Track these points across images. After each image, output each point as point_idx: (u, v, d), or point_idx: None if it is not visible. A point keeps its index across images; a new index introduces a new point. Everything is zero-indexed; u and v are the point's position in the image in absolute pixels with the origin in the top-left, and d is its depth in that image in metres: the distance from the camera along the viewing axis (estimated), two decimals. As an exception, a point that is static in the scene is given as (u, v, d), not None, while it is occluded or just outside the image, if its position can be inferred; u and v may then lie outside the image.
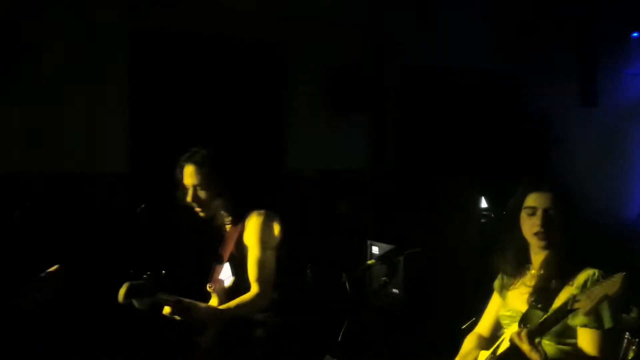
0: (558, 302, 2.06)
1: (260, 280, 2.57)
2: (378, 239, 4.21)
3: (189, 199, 2.68)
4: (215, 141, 5.00)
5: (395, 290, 4.10)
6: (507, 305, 2.32)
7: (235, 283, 2.71)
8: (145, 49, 4.85)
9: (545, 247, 2.21)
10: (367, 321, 2.32)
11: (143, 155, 4.85)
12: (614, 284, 1.85)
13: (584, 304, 1.88)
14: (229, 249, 2.75)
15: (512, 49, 6.59)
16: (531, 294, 2.20)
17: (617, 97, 6.49)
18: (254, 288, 2.56)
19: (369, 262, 2.02)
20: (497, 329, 2.40)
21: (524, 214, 2.24)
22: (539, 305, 2.13)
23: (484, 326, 2.46)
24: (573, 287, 2.12)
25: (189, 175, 2.68)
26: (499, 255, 2.32)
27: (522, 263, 2.30)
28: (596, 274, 2.12)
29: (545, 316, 2.01)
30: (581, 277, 2.14)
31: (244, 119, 5.20)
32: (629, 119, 6.43)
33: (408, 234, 3.97)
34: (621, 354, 2.79)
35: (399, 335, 2.35)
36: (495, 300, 2.44)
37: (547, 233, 2.17)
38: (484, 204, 5.89)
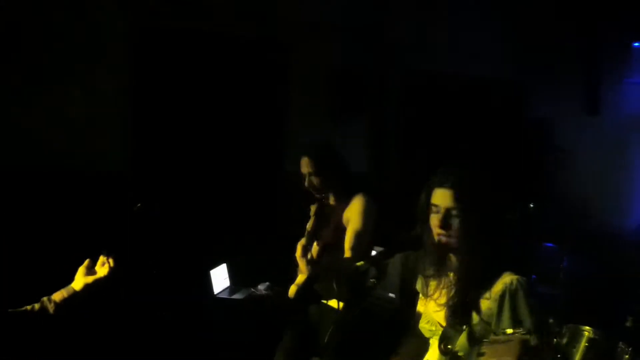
0: (476, 318, 1.93)
1: (355, 249, 2.96)
2: (376, 243, 4.21)
3: (305, 184, 3.20)
4: (215, 142, 5.05)
5: (391, 295, 4.09)
6: (427, 315, 2.12)
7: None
8: (147, 48, 4.86)
9: (450, 251, 2.02)
10: (357, 323, 2.26)
11: (144, 154, 4.86)
12: (512, 348, 1.60)
13: None
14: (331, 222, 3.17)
15: (516, 57, 6.60)
16: (449, 308, 2.01)
17: (619, 106, 6.49)
18: (347, 255, 2.95)
19: (358, 264, 1.96)
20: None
21: (430, 210, 2.03)
22: (457, 321, 1.96)
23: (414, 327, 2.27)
24: (490, 299, 1.93)
25: (304, 165, 3.20)
26: (421, 258, 2.11)
27: (442, 268, 2.09)
28: (514, 282, 1.93)
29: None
30: (498, 287, 1.94)
31: (245, 120, 5.21)
32: (630, 128, 6.43)
33: (405, 237, 3.93)
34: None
35: (392, 338, 2.32)
36: (420, 303, 2.24)
37: (449, 235, 1.97)
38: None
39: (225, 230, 4.76)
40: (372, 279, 1.99)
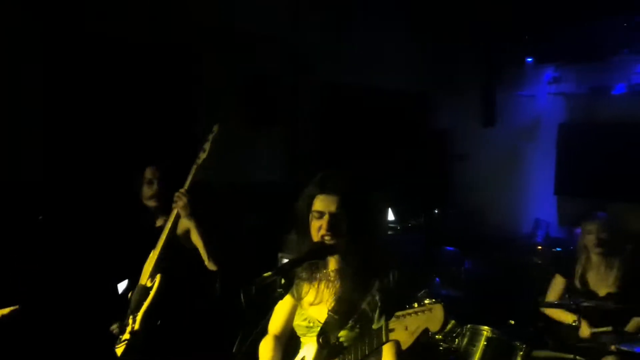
0: (358, 312, 1.97)
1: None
2: (291, 252, 4.24)
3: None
4: (131, 151, 4.91)
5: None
6: (304, 314, 2.15)
7: None
8: (62, 54, 4.65)
9: (334, 253, 2.06)
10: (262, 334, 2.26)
11: (58, 163, 4.64)
12: (434, 318, 1.67)
13: (401, 337, 1.71)
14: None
15: (420, 71, 6.90)
16: (330, 305, 2.04)
17: (513, 117, 6.86)
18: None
19: (265, 274, 1.93)
20: (292, 331, 2.26)
21: (312, 217, 2.05)
22: (337, 317, 2.00)
23: (277, 328, 2.28)
24: (370, 296, 1.96)
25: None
26: (295, 260, 2.07)
27: (318, 269, 2.13)
28: (394, 276, 1.97)
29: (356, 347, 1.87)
30: (375, 281, 1.98)
31: (159, 130, 5.10)
32: (523, 138, 6.79)
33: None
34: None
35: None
36: (288, 302, 2.23)
37: (335, 237, 2.00)
38: (391, 216, 6.10)
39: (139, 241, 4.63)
40: (279, 288, 1.98)
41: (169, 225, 2.99)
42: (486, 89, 6.91)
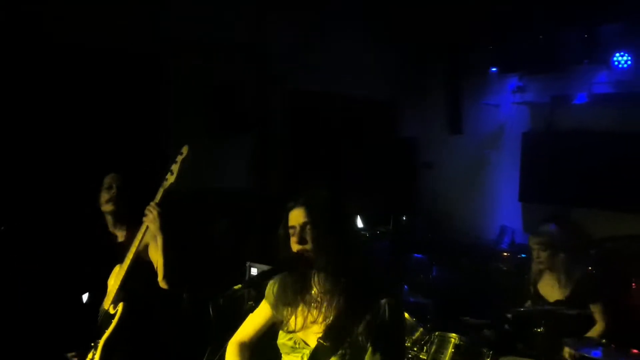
0: (348, 340, 1.93)
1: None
2: (259, 261, 4.21)
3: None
4: (95, 160, 4.83)
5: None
6: (289, 334, 2.08)
7: None
8: (25, 61, 4.56)
9: (311, 268, 2.02)
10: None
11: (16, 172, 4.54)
12: None
13: None
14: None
15: (389, 79, 6.98)
16: (319, 330, 2.00)
17: (479, 126, 6.97)
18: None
19: (235, 287, 1.90)
20: (261, 338, 2.24)
21: (291, 235, 2.05)
22: (327, 345, 1.95)
23: (247, 334, 2.25)
24: (363, 323, 1.93)
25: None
26: (266, 272, 2.05)
27: (303, 290, 2.08)
28: (385, 306, 1.94)
29: None
30: (367, 308, 1.94)
31: (126, 138, 5.04)
32: (489, 146, 6.90)
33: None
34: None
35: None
36: (265, 311, 2.21)
37: (307, 250, 1.99)
38: (359, 224, 6.12)
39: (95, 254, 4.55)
40: (250, 301, 1.99)
41: (138, 239, 2.90)
42: (452, 98, 7.01)
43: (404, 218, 6.67)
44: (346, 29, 6.29)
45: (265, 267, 3.93)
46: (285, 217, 2.08)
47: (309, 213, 2.01)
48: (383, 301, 1.95)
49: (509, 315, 4.01)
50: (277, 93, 6.14)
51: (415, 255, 6.01)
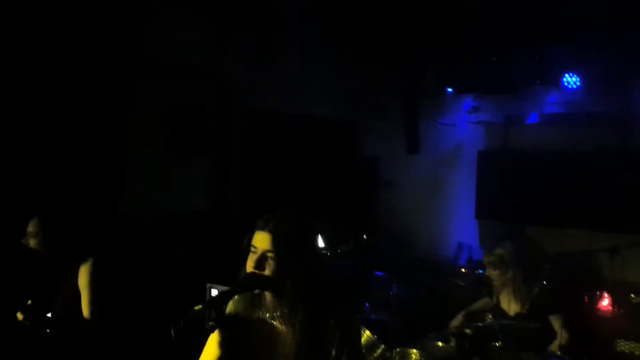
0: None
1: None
2: (219, 282, 4.19)
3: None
4: (47, 182, 4.74)
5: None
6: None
7: None
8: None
9: (269, 287, 2.01)
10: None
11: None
12: None
13: None
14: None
15: (348, 99, 7.06)
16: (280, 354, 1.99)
17: (436, 145, 7.11)
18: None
19: (196, 308, 1.88)
20: None
21: (250, 252, 2.03)
22: None
23: None
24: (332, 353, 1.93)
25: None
26: (226, 292, 2.01)
27: (255, 307, 2.08)
28: (345, 331, 1.96)
29: None
30: (333, 338, 1.95)
31: (81, 159, 4.96)
32: (446, 164, 7.04)
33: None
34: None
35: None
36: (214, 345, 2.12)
37: (262, 271, 1.97)
38: (321, 243, 6.13)
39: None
40: (210, 322, 1.95)
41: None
42: (410, 118, 7.14)
43: (365, 236, 6.72)
44: (305, 49, 6.36)
45: (225, 288, 3.91)
46: (251, 232, 2.04)
47: (274, 241, 1.97)
48: (340, 327, 1.96)
49: (468, 331, 4.09)
50: (236, 113, 6.14)
51: (377, 272, 6.04)
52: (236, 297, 2.12)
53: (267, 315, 2.06)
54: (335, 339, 1.94)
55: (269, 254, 1.97)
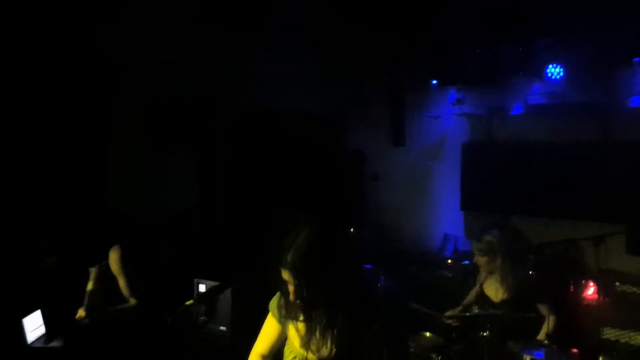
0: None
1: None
2: (206, 277, 4.20)
3: None
4: (34, 175, 4.69)
5: (222, 328, 4.11)
6: (293, 350, 2.26)
7: None
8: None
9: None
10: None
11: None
12: None
13: None
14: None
15: (333, 93, 7.05)
16: (323, 354, 2.15)
17: (421, 137, 7.14)
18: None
19: (187, 302, 1.96)
20: (278, 349, 2.35)
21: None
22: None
23: (264, 346, 2.37)
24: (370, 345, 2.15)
25: None
26: (215, 287, 2.18)
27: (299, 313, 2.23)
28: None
29: None
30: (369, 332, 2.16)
31: (61, 155, 4.91)
32: (431, 157, 7.07)
33: (235, 271, 4.01)
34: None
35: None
36: (273, 326, 2.34)
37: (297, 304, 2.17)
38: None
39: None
40: (201, 316, 2.03)
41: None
42: (395, 111, 7.15)
43: (352, 230, 6.73)
44: (290, 44, 6.34)
45: (213, 284, 3.92)
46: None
47: (295, 277, 2.09)
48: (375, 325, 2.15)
49: (452, 322, 4.12)
50: (221, 109, 6.11)
51: (365, 265, 6.06)
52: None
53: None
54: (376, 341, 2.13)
55: (297, 288, 2.10)
